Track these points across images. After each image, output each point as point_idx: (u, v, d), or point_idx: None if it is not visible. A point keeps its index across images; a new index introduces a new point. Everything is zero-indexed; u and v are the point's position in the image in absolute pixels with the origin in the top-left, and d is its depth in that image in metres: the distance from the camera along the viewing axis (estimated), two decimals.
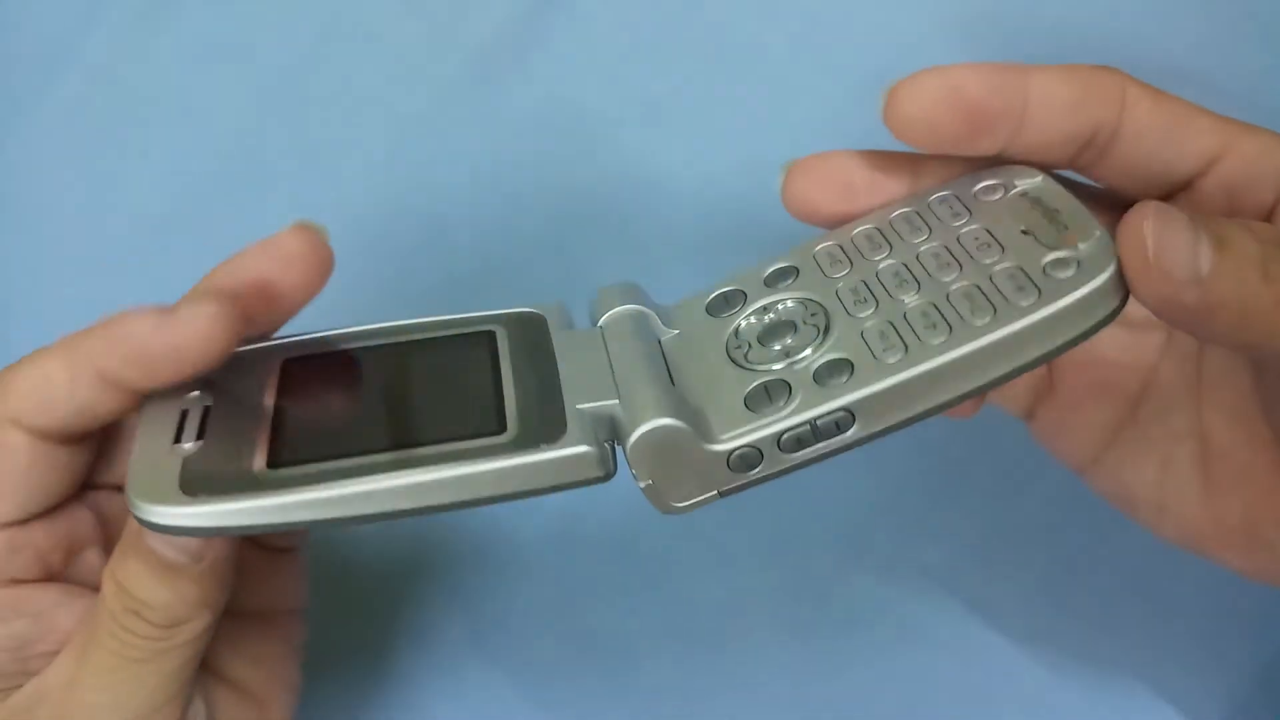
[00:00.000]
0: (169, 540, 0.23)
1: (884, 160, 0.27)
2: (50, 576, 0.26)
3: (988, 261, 0.23)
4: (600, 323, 0.25)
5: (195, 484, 0.21)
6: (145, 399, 0.24)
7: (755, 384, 0.23)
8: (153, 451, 0.22)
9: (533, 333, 0.25)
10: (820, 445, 0.22)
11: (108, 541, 0.27)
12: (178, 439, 0.23)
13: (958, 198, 0.25)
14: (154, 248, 0.40)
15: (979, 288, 0.23)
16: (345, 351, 0.26)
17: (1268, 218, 0.26)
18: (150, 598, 0.24)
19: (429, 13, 0.40)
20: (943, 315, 0.23)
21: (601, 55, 0.40)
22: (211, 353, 0.22)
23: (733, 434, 0.22)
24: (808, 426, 0.22)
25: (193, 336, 0.22)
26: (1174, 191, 0.26)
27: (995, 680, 0.36)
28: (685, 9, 0.39)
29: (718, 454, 0.22)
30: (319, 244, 0.26)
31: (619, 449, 0.22)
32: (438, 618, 0.38)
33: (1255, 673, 0.35)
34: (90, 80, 0.41)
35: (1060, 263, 0.23)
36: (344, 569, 0.37)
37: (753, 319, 0.25)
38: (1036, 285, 0.22)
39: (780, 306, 0.25)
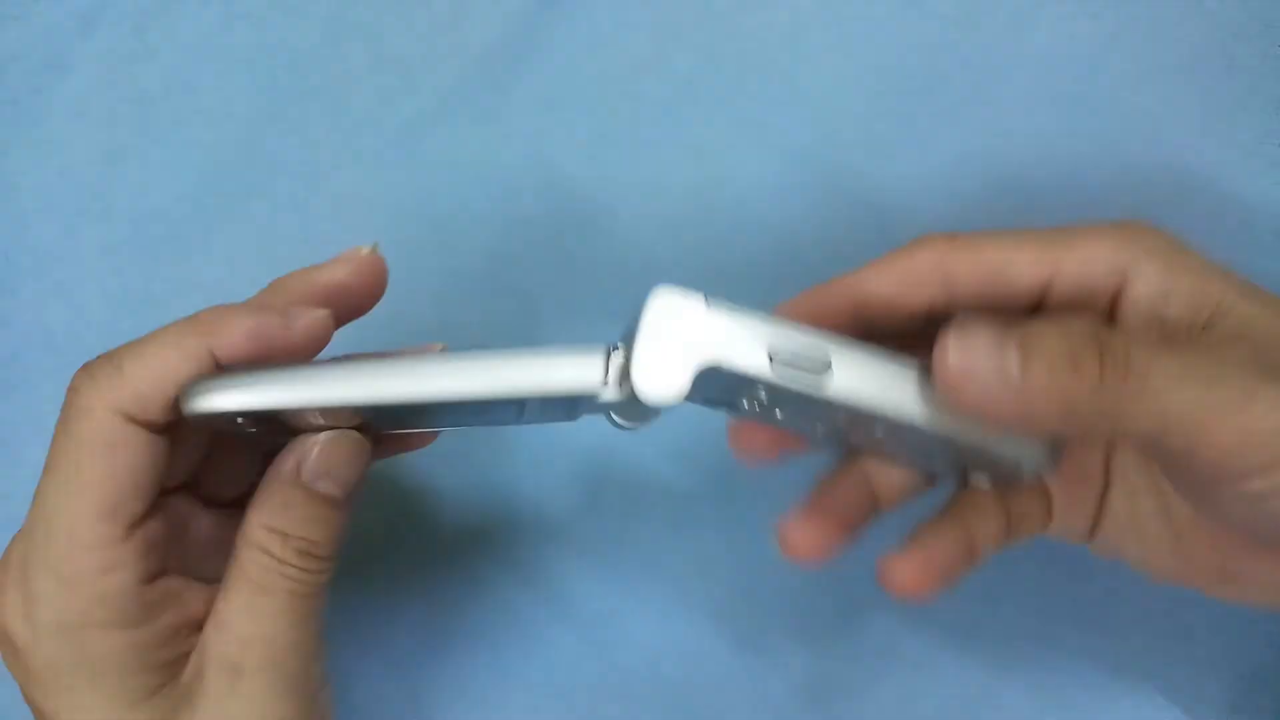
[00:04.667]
0: (331, 477, 0.27)
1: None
2: (166, 568, 0.27)
3: None
4: None
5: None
6: None
7: None
8: None
9: None
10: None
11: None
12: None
13: None
14: (155, 248, 0.40)
15: None
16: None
17: (1112, 317, 0.28)
18: (319, 535, 0.27)
19: (430, 14, 0.40)
20: None
21: (602, 57, 0.40)
22: (317, 349, 0.27)
23: None
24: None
25: (310, 336, 0.27)
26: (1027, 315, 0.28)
27: (995, 679, 0.36)
28: (686, 11, 0.39)
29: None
30: (380, 261, 0.29)
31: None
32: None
33: (1253, 672, 0.36)
34: (91, 81, 0.41)
35: None
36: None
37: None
38: None
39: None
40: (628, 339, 0.26)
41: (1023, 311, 0.29)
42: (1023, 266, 0.28)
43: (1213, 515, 0.28)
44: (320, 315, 0.27)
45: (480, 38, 0.40)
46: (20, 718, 0.32)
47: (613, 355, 0.26)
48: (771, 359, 0.25)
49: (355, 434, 0.28)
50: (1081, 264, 0.27)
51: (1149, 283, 0.27)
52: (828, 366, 0.25)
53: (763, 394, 0.26)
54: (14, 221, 0.41)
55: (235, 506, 0.29)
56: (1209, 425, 0.24)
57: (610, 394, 0.26)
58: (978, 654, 0.36)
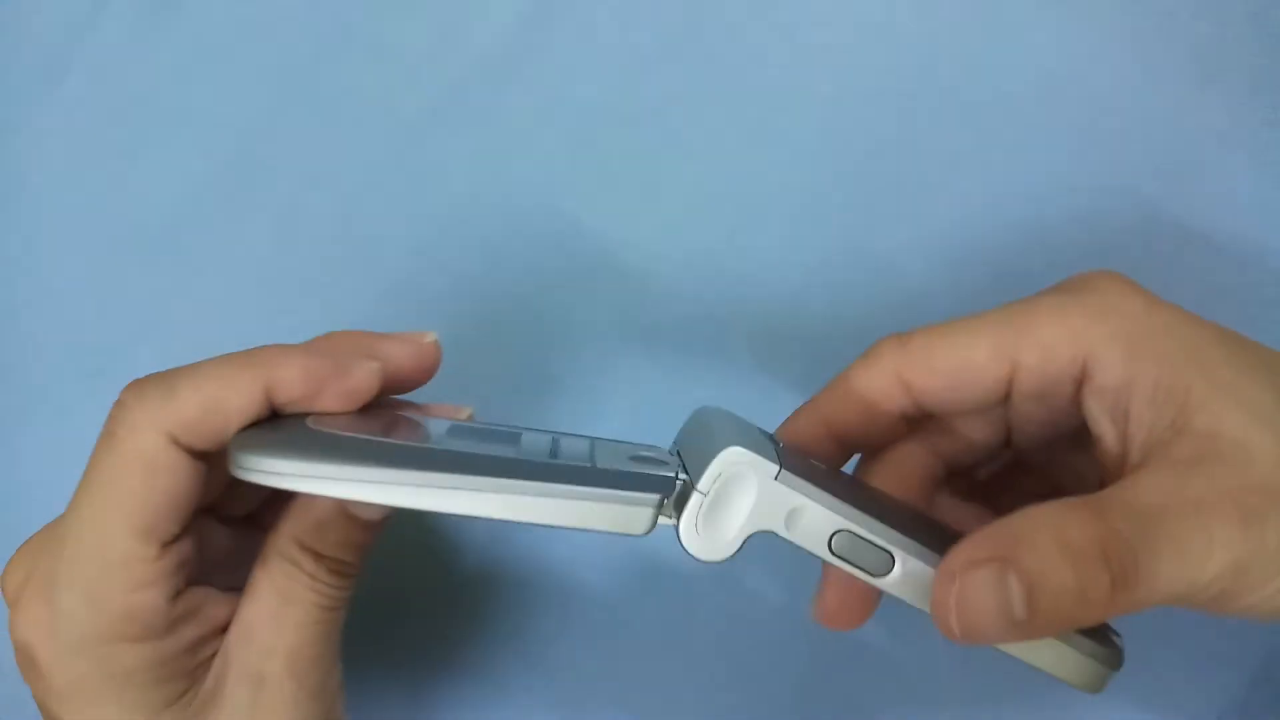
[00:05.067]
0: (370, 505, 0.27)
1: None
2: (194, 581, 0.27)
3: None
4: None
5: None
6: None
7: None
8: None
9: None
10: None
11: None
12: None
13: None
14: (155, 248, 0.40)
15: None
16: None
17: (1076, 404, 0.27)
18: (351, 556, 0.28)
19: (431, 16, 0.40)
20: None
21: (602, 60, 0.40)
22: (365, 401, 0.27)
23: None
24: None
25: (362, 388, 0.27)
26: (993, 407, 0.28)
27: (994, 679, 0.36)
28: (686, 13, 0.39)
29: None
30: (438, 352, 0.29)
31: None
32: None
33: (1253, 671, 0.36)
34: (91, 82, 0.41)
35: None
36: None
37: None
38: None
39: None
40: (685, 463, 0.25)
41: (994, 403, 0.28)
42: (981, 367, 0.27)
43: None
44: (374, 369, 0.27)
45: (480, 38, 0.40)
46: (20, 717, 0.32)
47: (669, 497, 0.25)
48: (831, 547, 0.25)
49: None
50: (1041, 358, 0.27)
51: (1110, 375, 0.26)
52: (889, 568, 0.25)
53: None
54: (13, 221, 0.41)
55: (247, 522, 0.30)
56: (1202, 595, 0.24)
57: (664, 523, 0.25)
58: (976, 651, 0.36)
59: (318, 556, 0.27)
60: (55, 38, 0.41)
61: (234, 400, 0.26)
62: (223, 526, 0.30)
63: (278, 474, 0.24)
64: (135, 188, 0.41)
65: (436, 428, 0.27)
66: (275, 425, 0.26)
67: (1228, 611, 0.25)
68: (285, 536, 0.27)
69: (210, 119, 0.41)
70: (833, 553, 0.25)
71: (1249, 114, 0.37)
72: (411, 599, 0.38)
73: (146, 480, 0.25)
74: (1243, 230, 0.37)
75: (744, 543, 0.25)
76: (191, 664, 0.27)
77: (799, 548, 0.25)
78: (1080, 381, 0.27)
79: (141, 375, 0.39)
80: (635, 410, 0.38)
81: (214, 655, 0.27)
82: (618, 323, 0.38)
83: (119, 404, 0.26)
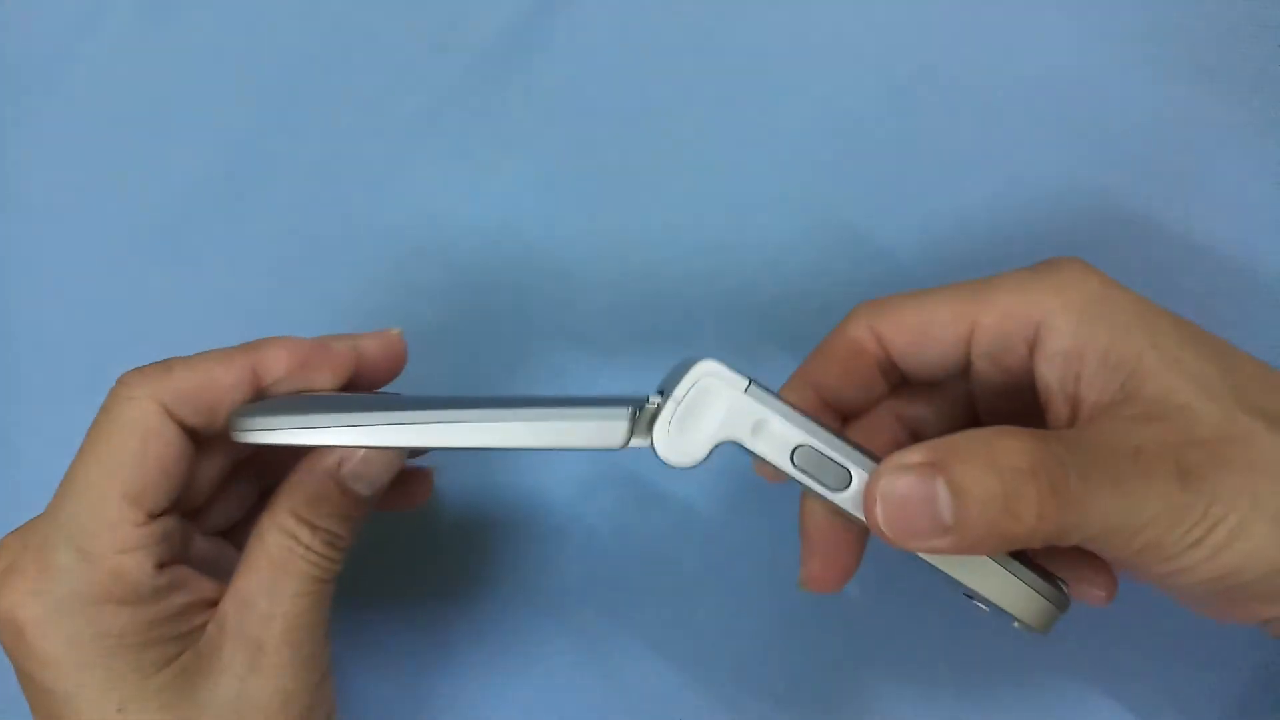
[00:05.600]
0: (366, 480, 0.29)
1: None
2: (178, 558, 0.29)
3: None
4: None
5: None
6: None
7: None
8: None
9: None
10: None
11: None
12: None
13: None
14: (155, 248, 0.40)
15: None
16: None
17: (1029, 370, 0.28)
18: (345, 530, 0.29)
19: (430, 15, 0.40)
20: None
21: (603, 59, 0.40)
22: (344, 375, 0.30)
23: None
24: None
25: (342, 362, 0.29)
26: (957, 373, 0.30)
27: (995, 679, 0.36)
28: (686, 13, 0.39)
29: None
30: (402, 344, 0.31)
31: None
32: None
33: (1254, 672, 0.36)
34: (91, 81, 0.41)
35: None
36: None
37: None
38: None
39: None
40: (665, 392, 0.26)
41: (956, 365, 0.30)
42: (943, 324, 0.29)
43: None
44: (350, 345, 0.30)
45: (480, 38, 0.40)
46: (22, 714, 0.32)
47: (643, 409, 0.26)
48: (794, 460, 0.26)
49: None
50: (998, 320, 0.28)
51: (1061, 340, 0.27)
52: (846, 484, 0.26)
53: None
54: (13, 222, 0.41)
55: (224, 537, 0.32)
56: (1129, 538, 0.25)
57: (637, 444, 0.26)
58: (976, 651, 0.36)
59: (313, 528, 0.28)
60: (55, 38, 0.42)
61: (225, 376, 0.28)
62: (201, 536, 0.31)
63: (275, 429, 0.26)
64: (135, 188, 0.41)
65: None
66: (267, 399, 0.29)
67: (1151, 571, 0.26)
68: (283, 510, 0.28)
69: (210, 119, 0.41)
70: (794, 465, 0.26)
71: (1249, 114, 0.37)
72: (409, 598, 0.38)
73: (140, 446, 0.27)
74: (1243, 231, 0.37)
75: (712, 450, 0.26)
76: (179, 630, 0.28)
77: (766, 465, 0.26)
78: (1033, 345, 0.28)
79: None
80: None
81: (203, 625, 0.28)
82: (619, 321, 0.38)
83: (119, 381, 0.28)
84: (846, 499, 0.26)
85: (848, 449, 0.26)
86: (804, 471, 0.26)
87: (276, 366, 0.29)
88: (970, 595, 0.28)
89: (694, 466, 0.26)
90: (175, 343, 0.40)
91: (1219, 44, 0.37)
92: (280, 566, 0.28)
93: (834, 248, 0.38)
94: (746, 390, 0.26)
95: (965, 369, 0.30)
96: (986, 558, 0.27)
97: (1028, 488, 0.24)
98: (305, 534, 0.28)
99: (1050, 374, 0.28)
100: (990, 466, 0.24)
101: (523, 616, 0.37)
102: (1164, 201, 0.37)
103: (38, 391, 0.40)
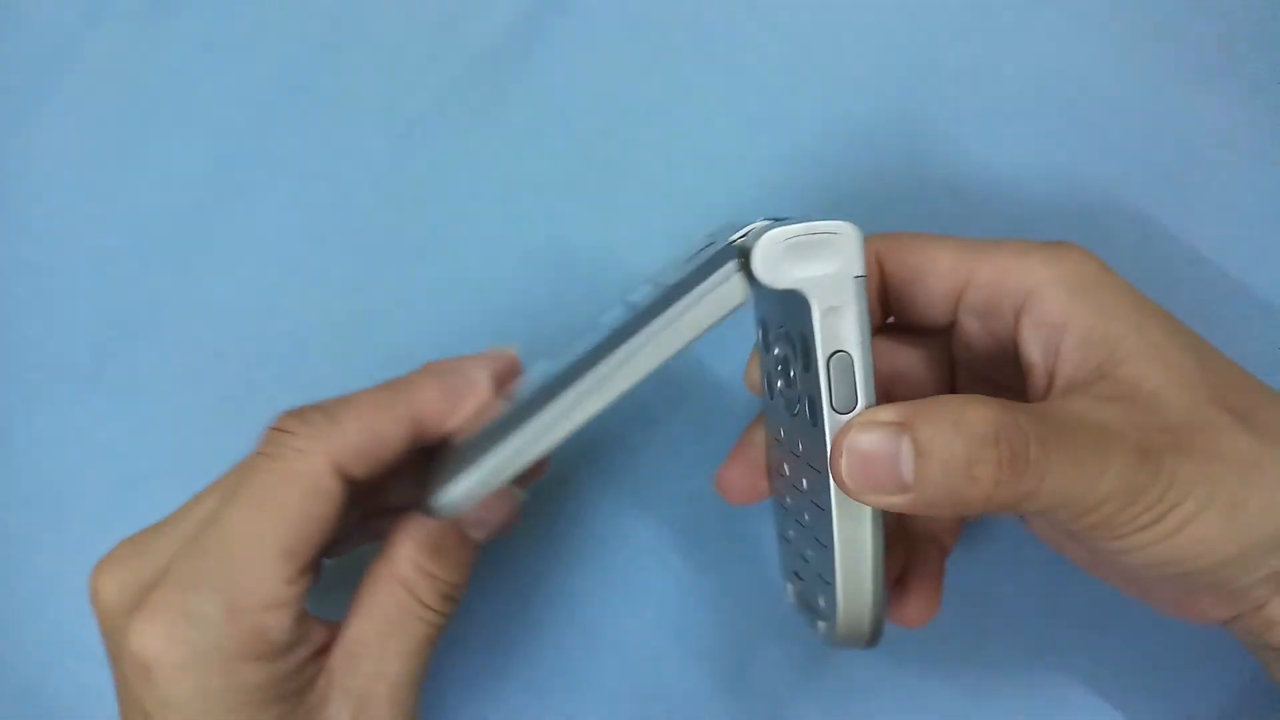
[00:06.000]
0: (484, 525, 0.29)
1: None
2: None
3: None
4: None
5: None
6: None
7: None
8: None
9: None
10: None
11: None
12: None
13: None
14: (155, 248, 0.40)
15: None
16: None
17: (1014, 334, 0.29)
18: (462, 579, 0.29)
19: (430, 14, 0.40)
20: None
21: (603, 58, 0.40)
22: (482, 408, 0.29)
23: None
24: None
25: (485, 391, 0.29)
26: (943, 324, 0.30)
27: (995, 679, 0.36)
28: (687, 12, 0.39)
29: None
30: (518, 364, 0.31)
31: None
32: None
33: (1252, 672, 0.36)
34: (92, 81, 0.41)
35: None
36: None
37: None
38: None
39: None
40: (781, 221, 0.26)
41: (944, 316, 0.30)
42: (941, 271, 0.29)
43: (1084, 553, 0.31)
44: (488, 374, 0.29)
45: (480, 38, 0.40)
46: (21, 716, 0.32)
47: (740, 249, 0.26)
48: (828, 358, 0.26)
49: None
50: (991, 278, 0.29)
51: (1048, 310, 0.28)
52: (850, 409, 0.26)
53: (793, 371, 0.27)
54: (13, 221, 0.41)
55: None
56: (1088, 509, 0.25)
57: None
58: (975, 651, 0.36)
59: (433, 579, 0.28)
60: (55, 38, 0.42)
61: (391, 428, 0.28)
62: None
63: (476, 494, 0.26)
64: (135, 187, 0.41)
65: (525, 381, 0.29)
66: (435, 464, 0.28)
67: (1103, 549, 0.26)
68: (403, 559, 0.28)
69: (210, 119, 0.41)
70: (826, 363, 0.26)
71: (1249, 114, 0.37)
72: None
73: (305, 503, 0.26)
74: (1243, 231, 0.37)
75: (789, 290, 0.26)
76: (299, 684, 0.28)
77: (791, 340, 0.27)
78: (1020, 312, 0.28)
79: (142, 376, 0.40)
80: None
81: (315, 676, 0.28)
82: None
83: (280, 429, 0.27)
84: (836, 424, 0.26)
85: (870, 384, 0.26)
86: (826, 374, 0.26)
87: (434, 409, 0.28)
88: (798, 575, 0.29)
89: (764, 289, 0.26)
90: (176, 343, 0.40)
91: (1219, 44, 0.37)
92: (394, 622, 0.28)
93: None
94: (855, 276, 0.26)
95: (951, 325, 0.30)
96: (872, 554, 0.27)
97: (988, 453, 0.24)
98: (424, 588, 0.28)
99: (1033, 343, 0.28)
100: (956, 430, 0.24)
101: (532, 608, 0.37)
102: (1164, 201, 0.37)
103: (38, 391, 0.40)
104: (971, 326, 0.30)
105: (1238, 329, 0.36)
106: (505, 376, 0.30)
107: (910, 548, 0.32)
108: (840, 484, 0.25)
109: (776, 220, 0.26)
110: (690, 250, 0.29)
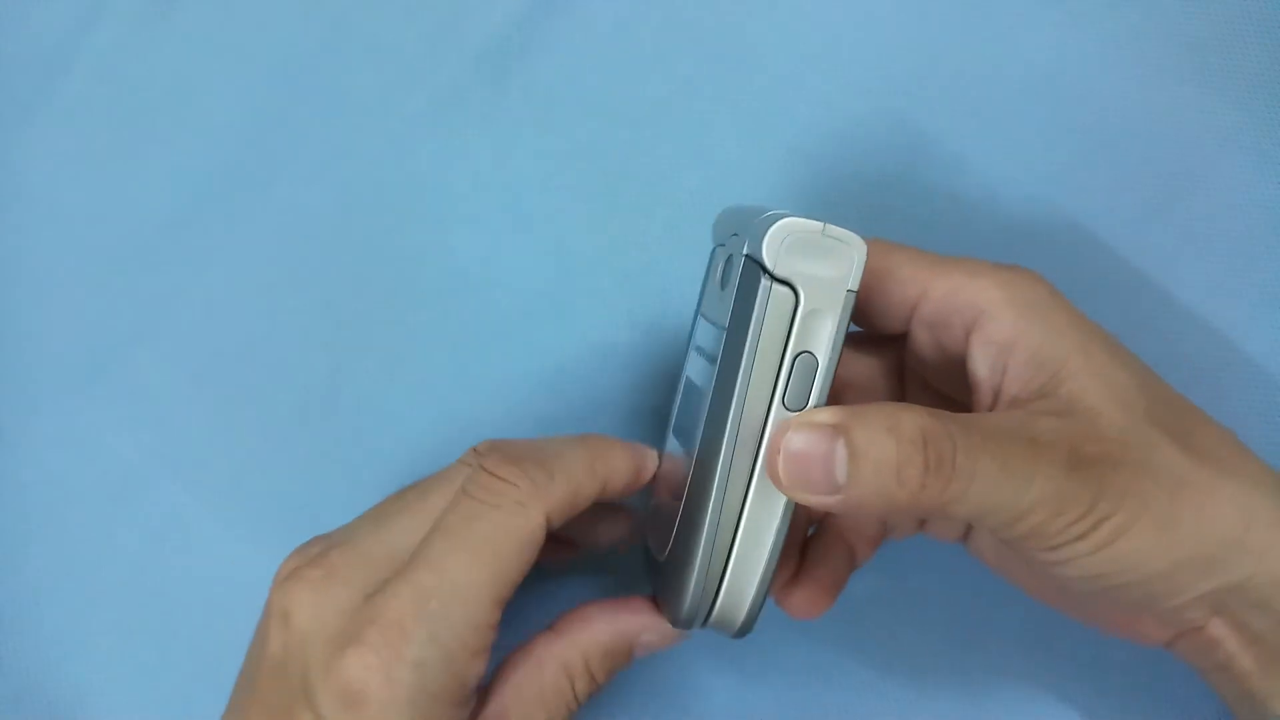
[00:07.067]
0: (652, 648, 0.31)
1: None
2: None
3: None
4: None
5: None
6: None
7: None
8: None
9: None
10: None
11: None
12: None
13: None
14: (155, 248, 0.40)
15: None
16: None
17: (964, 350, 0.29)
18: (605, 685, 0.30)
19: (430, 14, 0.40)
20: None
21: (603, 58, 0.40)
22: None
23: None
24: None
25: (652, 467, 0.31)
26: (896, 333, 0.31)
27: (995, 680, 0.36)
28: (686, 11, 0.39)
29: None
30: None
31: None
32: None
33: None
34: (92, 81, 0.41)
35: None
36: None
37: None
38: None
39: None
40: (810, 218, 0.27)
41: (898, 325, 0.31)
42: (899, 281, 0.30)
43: (1020, 563, 0.31)
44: (655, 453, 0.31)
45: (480, 38, 0.40)
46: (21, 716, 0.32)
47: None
48: (794, 361, 0.27)
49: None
50: (945, 294, 0.29)
51: (999, 329, 0.28)
52: (801, 406, 0.27)
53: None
54: (13, 221, 0.41)
55: None
56: (1016, 519, 0.26)
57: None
58: (976, 653, 0.37)
59: (591, 680, 0.29)
60: (55, 38, 0.41)
61: (589, 488, 0.29)
62: None
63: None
64: (135, 187, 0.41)
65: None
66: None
67: (1036, 559, 0.27)
68: (577, 652, 0.29)
69: (210, 119, 0.41)
70: (791, 359, 0.27)
71: (1249, 114, 0.37)
72: None
73: (520, 554, 0.27)
74: (1243, 231, 0.37)
75: (780, 283, 0.26)
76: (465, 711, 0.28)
77: (771, 327, 0.27)
78: (971, 329, 0.29)
79: (142, 376, 0.40)
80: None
81: None
82: (620, 322, 0.38)
83: (500, 478, 0.28)
84: (780, 418, 0.27)
85: (825, 387, 0.27)
86: (788, 372, 0.27)
87: (621, 475, 0.30)
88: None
89: (759, 268, 0.26)
90: (175, 343, 0.40)
91: (1219, 44, 0.37)
92: (545, 705, 0.29)
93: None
94: (848, 289, 0.27)
95: (905, 334, 0.31)
96: (770, 549, 0.28)
97: (916, 457, 0.25)
98: (583, 684, 0.29)
99: (982, 360, 0.29)
100: (889, 434, 0.25)
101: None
102: (1164, 202, 0.37)
103: (38, 391, 0.40)
104: (924, 338, 0.31)
105: (1238, 328, 0.36)
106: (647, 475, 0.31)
107: (825, 544, 0.33)
108: (774, 480, 0.26)
109: (784, 214, 0.27)
110: (711, 261, 0.30)
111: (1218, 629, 0.28)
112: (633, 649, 0.30)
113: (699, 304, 0.32)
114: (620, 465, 0.30)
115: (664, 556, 0.29)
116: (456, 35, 0.40)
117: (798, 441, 0.26)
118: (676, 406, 0.32)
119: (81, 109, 0.41)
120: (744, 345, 0.27)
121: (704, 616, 0.28)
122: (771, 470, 0.26)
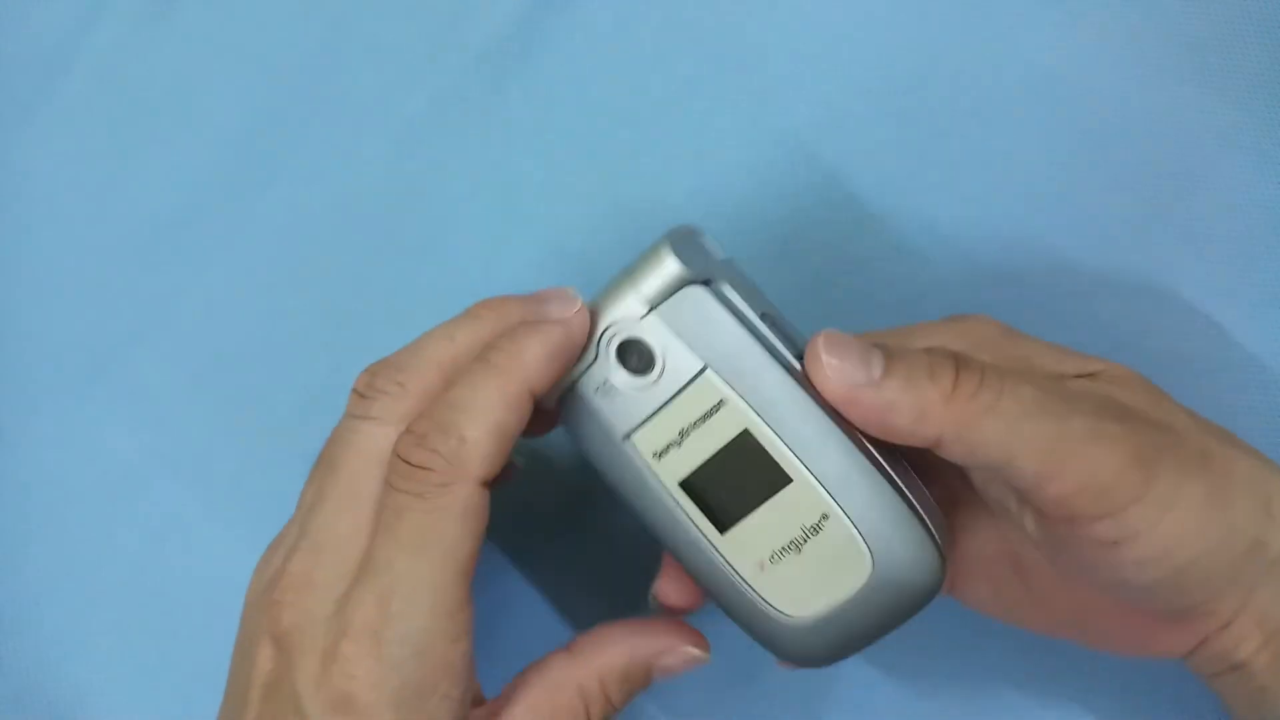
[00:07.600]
0: (672, 674, 0.30)
1: None
2: None
3: None
4: None
5: None
6: None
7: None
8: None
9: None
10: None
11: None
12: None
13: None
14: (155, 248, 0.40)
15: None
16: None
17: None
18: (620, 709, 0.29)
19: (430, 14, 0.40)
20: None
21: (602, 59, 0.40)
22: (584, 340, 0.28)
23: None
24: None
25: (581, 328, 0.28)
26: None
27: (995, 680, 0.36)
28: (687, 11, 0.39)
29: None
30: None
31: None
32: None
33: None
34: (92, 81, 0.41)
35: None
36: None
37: None
38: None
39: None
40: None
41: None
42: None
43: (1067, 568, 0.29)
44: (579, 304, 0.28)
45: (480, 38, 0.40)
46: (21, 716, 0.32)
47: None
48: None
49: None
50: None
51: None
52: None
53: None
54: (13, 221, 0.41)
55: None
56: (1058, 455, 0.25)
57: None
58: (976, 653, 0.37)
59: (607, 703, 0.29)
60: (55, 38, 0.42)
61: (513, 421, 0.27)
62: None
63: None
64: (135, 187, 0.41)
65: None
66: None
67: (1097, 534, 0.26)
68: (593, 673, 0.29)
69: (210, 119, 0.41)
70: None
71: (1249, 114, 0.37)
72: None
73: (464, 528, 0.26)
74: (1243, 231, 0.37)
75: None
76: (464, 687, 0.28)
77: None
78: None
79: (141, 376, 0.40)
80: None
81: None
82: None
83: (417, 466, 0.27)
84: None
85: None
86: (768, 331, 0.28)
87: (547, 377, 0.27)
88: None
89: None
90: (175, 343, 0.40)
91: (1219, 44, 0.37)
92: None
93: (837, 250, 0.38)
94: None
95: None
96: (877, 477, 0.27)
97: (947, 361, 0.26)
98: (598, 708, 0.29)
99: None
100: (923, 349, 0.27)
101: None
102: (1164, 201, 0.37)
103: (38, 391, 0.40)
104: None
105: (1238, 329, 0.36)
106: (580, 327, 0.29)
107: None
108: (814, 374, 0.27)
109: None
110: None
111: (1242, 626, 0.28)
112: (651, 672, 0.30)
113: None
114: (536, 361, 0.27)
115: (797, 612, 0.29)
116: (456, 35, 0.40)
117: (837, 341, 0.27)
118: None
119: (81, 109, 0.41)
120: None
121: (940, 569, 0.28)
122: (814, 370, 0.27)
